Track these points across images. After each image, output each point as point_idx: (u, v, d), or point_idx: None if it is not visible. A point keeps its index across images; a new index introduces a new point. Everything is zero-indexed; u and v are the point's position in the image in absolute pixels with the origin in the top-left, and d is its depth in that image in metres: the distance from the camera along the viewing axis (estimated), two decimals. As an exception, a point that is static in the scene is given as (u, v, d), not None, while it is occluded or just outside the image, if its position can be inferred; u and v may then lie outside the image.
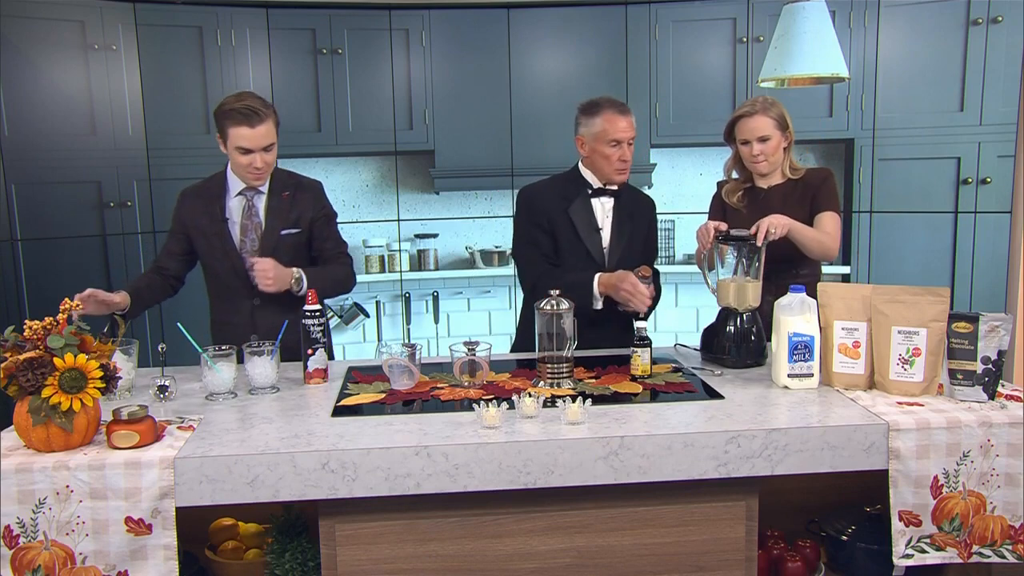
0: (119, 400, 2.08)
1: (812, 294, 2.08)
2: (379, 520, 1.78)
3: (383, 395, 2.10)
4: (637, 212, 2.67)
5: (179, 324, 2.26)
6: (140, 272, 3.90)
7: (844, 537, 2.02)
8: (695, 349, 2.48)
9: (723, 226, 2.36)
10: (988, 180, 3.80)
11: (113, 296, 2.32)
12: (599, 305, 2.47)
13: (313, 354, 2.22)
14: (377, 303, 4.66)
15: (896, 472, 1.80)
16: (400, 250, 4.52)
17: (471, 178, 4.38)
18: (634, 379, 2.19)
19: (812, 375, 2.07)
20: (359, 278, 4.40)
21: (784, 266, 2.48)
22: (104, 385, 1.73)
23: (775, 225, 2.30)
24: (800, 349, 2.05)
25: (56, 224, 3.71)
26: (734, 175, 2.71)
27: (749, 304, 2.31)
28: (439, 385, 2.17)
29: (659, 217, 2.85)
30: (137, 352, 2.22)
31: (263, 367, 2.14)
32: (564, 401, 1.87)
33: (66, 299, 1.81)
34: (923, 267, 3.98)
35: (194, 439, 1.78)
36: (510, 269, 4.42)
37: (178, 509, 1.67)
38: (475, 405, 1.87)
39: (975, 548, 1.84)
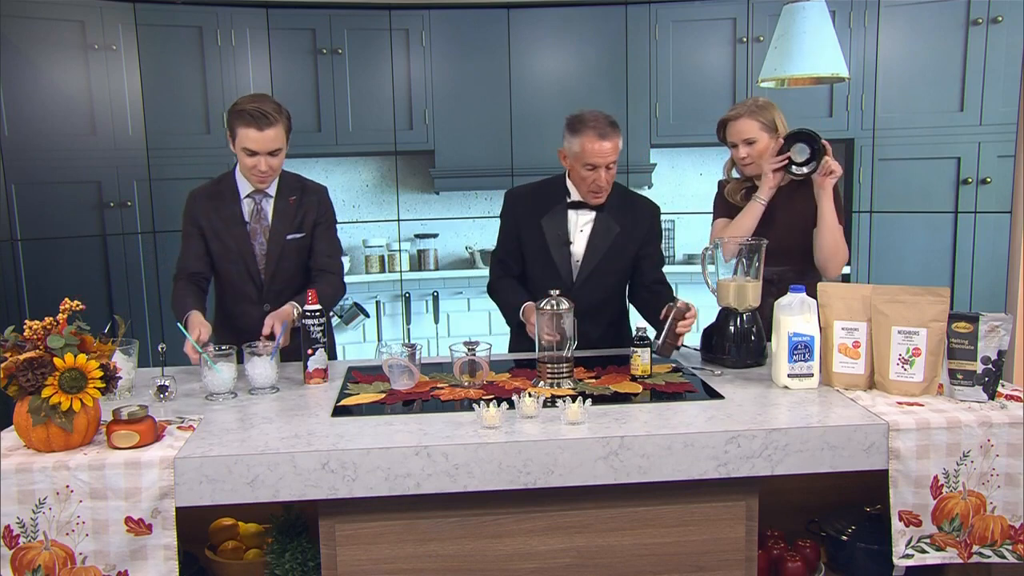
0: (119, 400, 2.08)
1: (812, 294, 2.08)
2: (379, 520, 1.78)
3: (383, 395, 2.10)
4: (629, 225, 2.57)
5: (179, 324, 2.26)
6: (140, 272, 3.94)
7: (844, 537, 2.02)
8: (695, 349, 2.48)
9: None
10: (988, 180, 3.80)
11: (207, 324, 2.30)
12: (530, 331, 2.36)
13: (313, 354, 2.22)
14: (377, 303, 4.66)
15: (896, 472, 1.80)
16: (400, 250, 4.53)
17: (471, 178, 4.38)
18: (634, 379, 2.20)
19: (812, 375, 2.07)
20: (359, 278, 4.47)
21: (785, 268, 2.48)
22: (104, 385, 1.73)
23: (838, 168, 2.44)
24: (800, 349, 2.05)
25: (56, 224, 3.71)
26: (734, 174, 2.70)
27: (749, 304, 2.31)
28: (439, 385, 2.17)
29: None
30: (137, 352, 2.22)
31: (263, 367, 2.14)
32: (564, 401, 1.87)
33: (66, 299, 1.80)
34: (923, 267, 3.98)
35: (194, 439, 1.78)
36: (510, 269, 4.42)
37: (178, 509, 1.67)
38: (475, 405, 1.87)
39: (975, 548, 1.84)
